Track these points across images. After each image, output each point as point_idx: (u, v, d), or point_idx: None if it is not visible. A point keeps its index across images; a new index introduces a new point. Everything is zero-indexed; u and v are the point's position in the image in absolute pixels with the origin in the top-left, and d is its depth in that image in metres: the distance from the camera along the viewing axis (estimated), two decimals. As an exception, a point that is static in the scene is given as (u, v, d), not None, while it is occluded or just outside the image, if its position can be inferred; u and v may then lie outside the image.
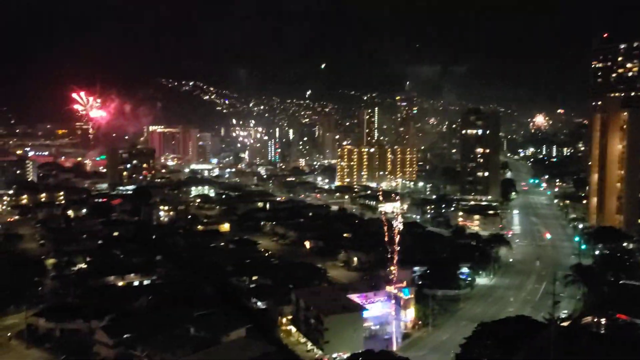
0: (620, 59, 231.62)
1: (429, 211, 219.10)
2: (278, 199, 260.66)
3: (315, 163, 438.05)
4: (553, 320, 62.63)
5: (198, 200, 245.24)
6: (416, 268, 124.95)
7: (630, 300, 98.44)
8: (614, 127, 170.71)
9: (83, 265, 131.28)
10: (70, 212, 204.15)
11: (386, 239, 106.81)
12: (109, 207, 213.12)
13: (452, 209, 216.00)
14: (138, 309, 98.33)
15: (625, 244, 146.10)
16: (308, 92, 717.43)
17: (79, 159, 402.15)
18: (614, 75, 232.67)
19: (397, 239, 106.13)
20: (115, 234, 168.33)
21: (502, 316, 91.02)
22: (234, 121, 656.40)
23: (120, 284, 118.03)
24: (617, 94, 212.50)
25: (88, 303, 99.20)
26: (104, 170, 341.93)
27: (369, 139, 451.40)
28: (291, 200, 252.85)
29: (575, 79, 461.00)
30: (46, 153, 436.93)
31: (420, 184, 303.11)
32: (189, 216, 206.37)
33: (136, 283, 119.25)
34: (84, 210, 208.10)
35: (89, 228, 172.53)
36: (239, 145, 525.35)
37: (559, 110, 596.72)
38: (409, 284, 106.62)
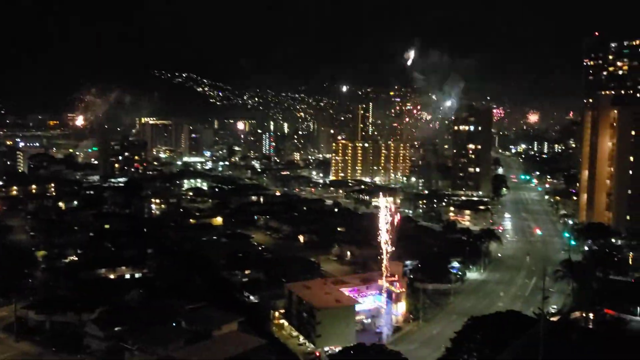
0: (611, 57, 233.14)
1: (421, 206, 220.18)
2: (272, 192, 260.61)
3: (310, 157, 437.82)
4: (543, 315, 63.27)
5: (190, 193, 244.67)
6: (408, 262, 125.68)
7: (618, 296, 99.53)
8: (605, 124, 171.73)
9: (74, 258, 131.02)
10: (61, 204, 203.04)
11: (379, 233, 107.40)
12: (101, 199, 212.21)
13: (444, 204, 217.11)
14: (129, 302, 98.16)
15: (614, 240, 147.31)
16: (303, 87, 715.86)
17: (71, 150, 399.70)
18: (605, 73, 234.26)
19: (389, 233, 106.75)
20: (107, 226, 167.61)
21: (492, 311, 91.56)
22: (228, 114, 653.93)
23: (112, 276, 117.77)
24: (608, 92, 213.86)
25: (79, 296, 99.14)
26: (96, 162, 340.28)
27: (363, 133, 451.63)
28: (285, 194, 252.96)
29: (568, 77, 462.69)
30: (37, 144, 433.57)
31: (413, 179, 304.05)
32: (181, 209, 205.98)
33: (127, 276, 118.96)
34: (75, 202, 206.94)
35: (80, 220, 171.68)
36: (232, 138, 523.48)
37: (550, 108, 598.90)
38: (401, 277, 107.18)
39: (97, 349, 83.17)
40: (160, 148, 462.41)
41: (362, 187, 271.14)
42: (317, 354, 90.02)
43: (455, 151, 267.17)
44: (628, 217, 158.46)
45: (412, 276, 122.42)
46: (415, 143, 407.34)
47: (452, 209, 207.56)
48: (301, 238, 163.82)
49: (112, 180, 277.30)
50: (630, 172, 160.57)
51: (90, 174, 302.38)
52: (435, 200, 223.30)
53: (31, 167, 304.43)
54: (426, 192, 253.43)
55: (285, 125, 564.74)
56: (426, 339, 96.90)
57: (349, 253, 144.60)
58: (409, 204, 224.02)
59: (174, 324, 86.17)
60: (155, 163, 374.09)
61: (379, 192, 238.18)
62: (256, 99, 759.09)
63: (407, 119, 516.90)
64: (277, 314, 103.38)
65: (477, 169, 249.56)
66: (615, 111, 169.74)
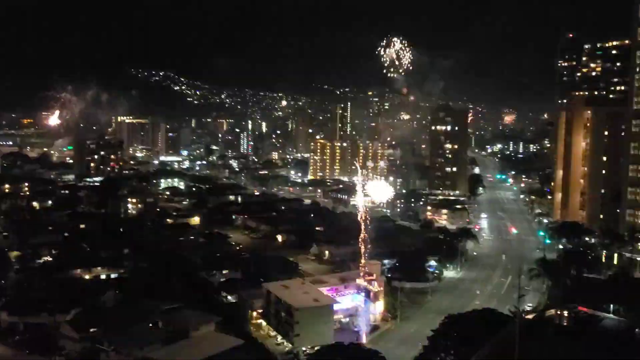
0: (584, 59, 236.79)
1: (398, 205, 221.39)
2: (250, 192, 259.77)
3: (288, 156, 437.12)
4: (518, 313, 64.15)
5: (167, 192, 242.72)
6: (386, 261, 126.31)
7: (591, 294, 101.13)
8: (578, 125, 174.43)
9: (48, 258, 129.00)
10: (35, 204, 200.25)
11: (357, 232, 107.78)
12: (76, 199, 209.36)
13: (421, 203, 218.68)
14: (105, 303, 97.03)
15: (587, 239, 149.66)
16: (281, 85, 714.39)
17: (45, 149, 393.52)
18: (578, 74, 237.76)
19: (367, 232, 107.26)
20: (82, 226, 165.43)
21: (469, 309, 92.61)
22: (206, 113, 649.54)
23: (87, 277, 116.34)
24: (581, 93, 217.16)
25: (53, 297, 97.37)
26: (71, 161, 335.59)
27: (341, 133, 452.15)
28: (264, 194, 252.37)
29: (543, 78, 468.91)
30: (10, 143, 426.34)
31: (391, 178, 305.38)
32: (158, 209, 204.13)
33: (103, 277, 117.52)
34: (50, 202, 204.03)
35: (55, 220, 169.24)
36: (210, 137, 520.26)
37: (526, 108, 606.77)
38: (379, 276, 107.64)
39: (72, 350, 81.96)
40: (136, 147, 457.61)
41: (341, 186, 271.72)
42: None
43: (432, 151, 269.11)
44: (601, 216, 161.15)
45: (389, 275, 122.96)
46: (394, 143, 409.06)
47: (429, 208, 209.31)
48: (279, 237, 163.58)
49: (88, 179, 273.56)
50: (604, 171, 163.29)
51: (65, 173, 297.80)
52: (412, 200, 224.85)
53: (4, 166, 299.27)
54: (404, 191, 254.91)
55: (264, 124, 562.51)
56: (404, 337, 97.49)
57: (327, 252, 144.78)
58: (387, 203, 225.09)
59: (150, 325, 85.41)
60: (132, 162, 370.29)
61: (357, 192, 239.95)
62: (234, 97, 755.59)
63: (385, 119, 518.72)
64: (255, 313, 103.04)
65: (454, 169, 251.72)
66: (589, 112, 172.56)
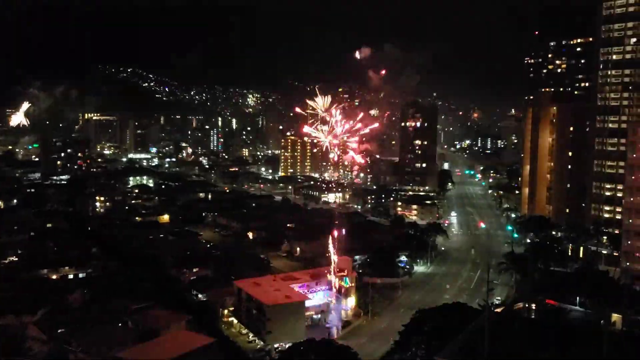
0: (550, 56, 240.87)
1: (369, 201, 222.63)
2: (220, 189, 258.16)
3: (258, 153, 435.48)
4: (487, 306, 65.01)
5: (136, 190, 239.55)
6: (357, 257, 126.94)
7: (558, 287, 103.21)
8: (545, 120, 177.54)
9: (14, 259, 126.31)
10: (0, 203, 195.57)
11: (328, 228, 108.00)
12: (42, 197, 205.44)
13: (392, 199, 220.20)
14: (73, 303, 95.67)
15: (554, 233, 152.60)
16: (251, 82, 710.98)
17: (10, 147, 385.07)
18: (544, 71, 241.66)
19: (338, 228, 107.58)
20: (49, 225, 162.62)
21: (439, 303, 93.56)
22: (174, 109, 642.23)
23: (54, 277, 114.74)
24: (547, 90, 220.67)
25: (19, 297, 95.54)
26: (37, 159, 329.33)
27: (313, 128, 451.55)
28: (234, 191, 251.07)
29: (510, 74, 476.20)
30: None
31: (362, 174, 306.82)
32: (127, 207, 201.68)
33: (71, 276, 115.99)
34: (15, 201, 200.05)
35: (20, 219, 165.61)
36: (179, 134, 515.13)
37: (493, 104, 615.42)
38: (350, 272, 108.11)
39: (39, 352, 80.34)
40: (104, 144, 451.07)
41: (312, 182, 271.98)
42: None
43: (402, 147, 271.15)
44: (567, 210, 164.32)
45: (361, 271, 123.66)
46: (364, 139, 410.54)
47: (399, 203, 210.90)
48: (250, 235, 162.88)
49: (54, 177, 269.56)
50: (569, 166, 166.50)
51: (31, 171, 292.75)
52: (383, 196, 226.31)
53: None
54: (374, 187, 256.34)
55: (234, 121, 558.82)
56: (375, 332, 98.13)
57: (298, 249, 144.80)
58: (357, 199, 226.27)
59: (119, 325, 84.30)
60: (100, 160, 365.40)
61: (328, 188, 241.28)
62: (203, 94, 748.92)
63: (355, 115, 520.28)
64: (226, 311, 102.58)
65: (424, 165, 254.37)
66: (555, 108, 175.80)
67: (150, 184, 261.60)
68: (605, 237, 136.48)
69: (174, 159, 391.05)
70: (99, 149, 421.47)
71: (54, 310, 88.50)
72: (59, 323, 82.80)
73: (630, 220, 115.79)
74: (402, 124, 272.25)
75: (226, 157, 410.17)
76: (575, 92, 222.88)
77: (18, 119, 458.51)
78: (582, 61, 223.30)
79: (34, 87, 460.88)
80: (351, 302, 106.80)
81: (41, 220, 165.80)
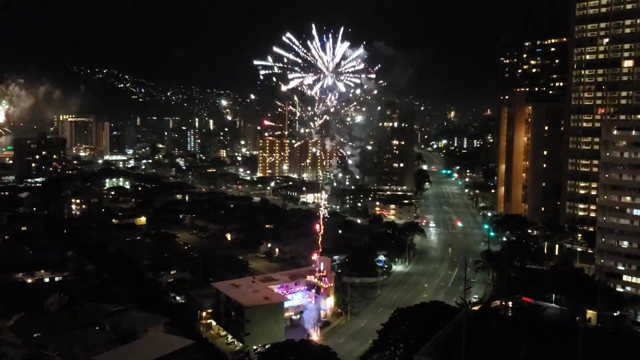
0: (525, 56, 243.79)
1: (348, 201, 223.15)
2: (198, 190, 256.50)
3: (236, 154, 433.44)
4: (465, 304, 65.74)
5: (112, 192, 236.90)
6: (336, 257, 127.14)
7: (534, 284, 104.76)
8: (520, 120, 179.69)
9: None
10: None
11: (307, 229, 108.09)
12: (16, 200, 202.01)
13: (370, 199, 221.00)
14: (49, 307, 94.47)
15: (530, 231, 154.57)
16: (228, 82, 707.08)
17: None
18: (519, 71, 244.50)
19: (317, 229, 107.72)
20: (24, 228, 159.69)
21: (418, 302, 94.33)
22: (151, 110, 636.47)
23: (30, 280, 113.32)
24: (522, 89, 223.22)
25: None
26: (11, 161, 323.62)
27: (290, 130, 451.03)
28: (212, 192, 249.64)
29: (486, 74, 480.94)
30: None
31: (340, 174, 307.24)
32: (103, 209, 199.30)
33: (47, 280, 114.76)
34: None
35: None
36: (156, 135, 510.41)
37: (469, 104, 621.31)
38: (329, 273, 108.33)
39: (14, 357, 79.06)
40: (80, 146, 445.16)
41: (290, 183, 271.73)
42: None
43: (379, 147, 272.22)
44: (543, 209, 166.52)
45: (340, 270, 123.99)
46: (342, 139, 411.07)
47: (377, 203, 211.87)
48: (228, 236, 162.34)
49: (29, 180, 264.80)
50: (544, 165, 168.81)
51: (5, 174, 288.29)
52: (361, 195, 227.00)
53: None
54: (353, 187, 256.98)
55: (211, 121, 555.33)
56: (354, 332, 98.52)
57: (277, 250, 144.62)
58: (336, 199, 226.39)
59: (97, 328, 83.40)
60: (75, 162, 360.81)
61: (306, 189, 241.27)
62: (180, 95, 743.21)
63: (333, 115, 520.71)
64: (204, 313, 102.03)
65: (401, 164, 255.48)
66: (530, 108, 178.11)
67: (127, 185, 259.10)
68: (580, 235, 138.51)
69: (150, 161, 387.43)
70: (74, 151, 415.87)
71: (30, 315, 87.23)
72: (34, 327, 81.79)
73: (604, 218, 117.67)
74: (380, 124, 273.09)
75: (203, 158, 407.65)
76: (550, 92, 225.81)
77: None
78: (557, 61, 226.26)
79: (6, 88, 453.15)
80: (330, 302, 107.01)
81: (15, 224, 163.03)
